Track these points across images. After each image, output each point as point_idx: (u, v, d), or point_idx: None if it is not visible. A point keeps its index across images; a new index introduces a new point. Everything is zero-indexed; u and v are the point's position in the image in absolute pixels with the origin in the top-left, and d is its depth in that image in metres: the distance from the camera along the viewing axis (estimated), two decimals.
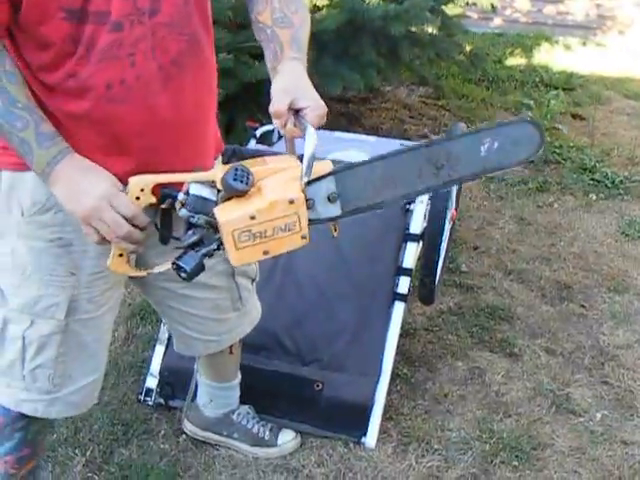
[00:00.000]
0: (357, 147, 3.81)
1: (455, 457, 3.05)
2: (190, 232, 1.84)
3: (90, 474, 2.93)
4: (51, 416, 2.23)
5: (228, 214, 1.76)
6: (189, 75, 1.93)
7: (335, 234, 1.90)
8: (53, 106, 1.85)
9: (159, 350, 3.25)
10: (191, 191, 1.80)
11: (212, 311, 2.42)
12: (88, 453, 3.01)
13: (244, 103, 4.79)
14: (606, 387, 3.46)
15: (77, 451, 3.01)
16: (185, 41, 1.89)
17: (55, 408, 2.20)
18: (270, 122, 4.11)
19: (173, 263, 1.84)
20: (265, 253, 1.81)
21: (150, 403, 3.23)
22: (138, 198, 1.85)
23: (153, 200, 1.86)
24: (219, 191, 1.79)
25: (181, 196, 1.82)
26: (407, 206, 3.35)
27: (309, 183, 1.78)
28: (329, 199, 1.82)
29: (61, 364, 2.13)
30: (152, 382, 3.23)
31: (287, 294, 3.27)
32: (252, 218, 1.75)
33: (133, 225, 1.83)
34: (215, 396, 2.99)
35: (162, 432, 3.13)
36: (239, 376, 2.98)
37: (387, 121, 6.34)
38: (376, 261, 3.29)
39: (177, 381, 3.17)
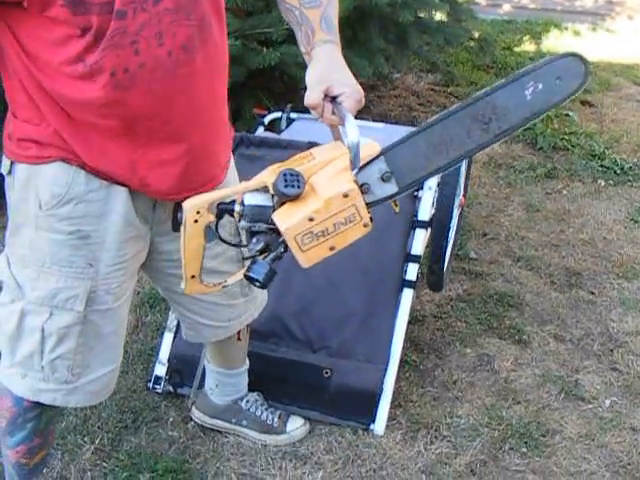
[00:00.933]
0: (366, 134, 3.79)
1: (464, 444, 3.05)
2: (254, 240, 1.83)
3: (99, 461, 2.94)
4: (69, 405, 2.25)
5: (287, 220, 1.75)
6: (199, 60, 1.90)
7: (397, 209, 1.94)
8: (57, 90, 1.84)
9: (168, 338, 3.25)
10: (246, 202, 1.79)
11: (221, 297, 2.42)
12: (97, 441, 3.02)
13: (252, 90, 4.78)
14: (615, 374, 3.46)
15: (86, 439, 3.02)
16: (195, 26, 1.86)
17: (74, 397, 2.21)
18: (278, 109, 4.16)
19: (245, 275, 1.83)
20: (332, 249, 1.81)
21: (159, 391, 3.23)
22: (196, 221, 1.84)
23: (212, 218, 1.85)
24: (273, 195, 1.78)
25: (238, 207, 1.80)
26: (415, 193, 3.34)
27: (360, 169, 1.78)
28: (383, 179, 1.80)
29: (80, 354, 2.14)
30: (161, 370, 3.23)
31: (295, 281, 3.26)
32: (311, 220, 1.74)
33: None
34: (223, 383, 2.99)
35: (171, 419, 3.13)
36: (247, 363, 2.98)
37: (395, 108, 6.32)
38: (384, 248, 3.28)
39: (186, 369, 3.17)
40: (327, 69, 1.87)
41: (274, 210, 1.77)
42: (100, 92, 1.80)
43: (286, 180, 1.74)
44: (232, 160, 2.34)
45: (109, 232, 2.03)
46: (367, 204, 1.80)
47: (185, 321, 2.55)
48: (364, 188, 1.79)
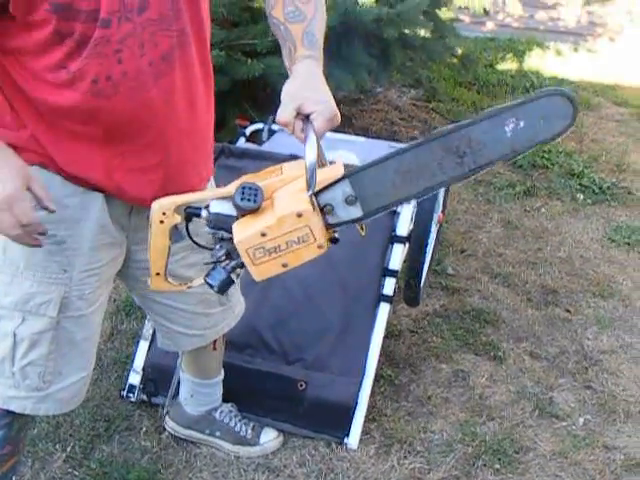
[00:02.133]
0: (346, 148, 3.81)
1: (437, 459, 3.05)
2: (217, 247, 1.84)
3: (70, 470, 2.92)
4: (39, 413, 2.23)
5: (242, 232, 1.75)
6: (178, 70, 1.91)
7: (363, 233, 1.89)
8: (38, 96, 1.84)
9: (143, 346, 3.24)
10: (211, 209, 1.80)
11: (198, 305, 2.42)
12: (69, 449, 3.00)
13: (236, 100, 4.78)
14: (589, 392, 3.47)
15: (57, 446, 3.01)
16: (175, 37, 1.87)
17: (44, 405, 2.19)
18: (260, 120, 4.15)
19: (204, 279, 1.86)
20: (284, 266, 1.79)
21: (133, 399, 3.22)
22: (162, 222, 1.85)
23: (178, 220, 1.86)
24: None
25: (204, 213, 1.82)
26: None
27: (322, 190, 1.76)
28: (347, 202, 1.78)
29: (52, 361, 2.12)
30: (135, 378, 3.22)
31: (273, 293, 3.26)
32: (263, 235, 1.74)
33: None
34: (197, 393, 2.98)
35: (144, 429, 3.12)
36: (222, 373, 2.98)
37: (377, 123, 6.33)
38: (362, 262, 3.28)
39: (160, 378, 3.16)
40: (302, 86, 1.84)
41: (236, 220, 1.78)
42: (81, 99, 1.81)
43: (243, 193, 1.74)
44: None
45: (84, 238, 2.02)
46: (330, 225, 1.79)
47: (161, 329, 2.54)
48: (327, 209, 1.77)
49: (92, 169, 1.94)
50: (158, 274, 1.96)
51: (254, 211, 1.75)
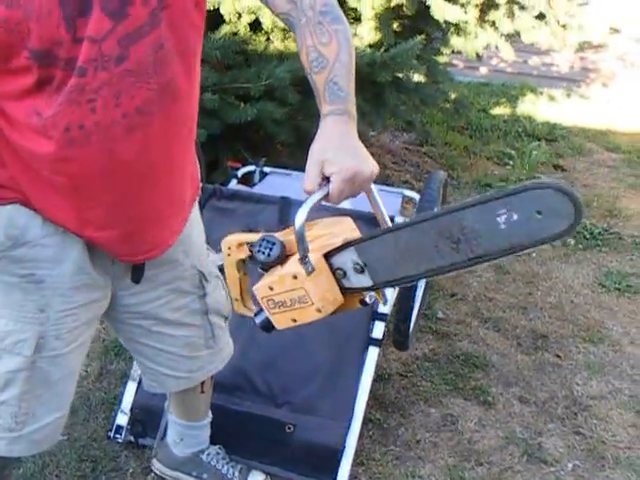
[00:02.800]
0: None
1: None
2: None
3: None
4: (13, 454, 2.19)
5: (260, 281, 1.83)
6: (157, 124, 1.85)
7: (382, 302, 1.92)
8: (15, 140, 1.82)
9: (131, 387, 3.23)
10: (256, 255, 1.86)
11: (184, 348, 2.41)
12: None
13: (228, 143, 4.80)
14: (578, 437, 3.46)
15: None
16: (154, 90, 1.81)
17: (17, 447, 2.17)
18: (252, 162, 4.17)
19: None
20: (294, 321, 1.84)
21: (120, 440, 3.20)
22: (229, 255, 1.93)
23: (242, 256, 1.92)
24: None
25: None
26: None
27: (334, 253, 1.79)
28: (355, 269, 1.78)
29: (25, 402, 2.10)
30: (123, 419, 3.21)
31: (261, 335, 3.21)
32: (271, 289, 1.80)
33: None
34: (185, 435, 2.96)
35: (131, 470, 3.10)
36: (210, 415, 2.96)
37: None
38: None
39: (148, 419, 3.15)
40: (322, 148, 1.74)
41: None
42: (53, 147, 1.78)
43: (261, 245, 1.79)
44: (195, 214, 2.31)
45: (63, 278, 2.01)
46: (345, 289, 1.81)
47: (147, 371, 2.52)
48: (338, 273, 1.79)
49: (65, 218, 1.93)
50: (237, 300, 2.04)
51: (271, 264, 1.81)
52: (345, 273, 1.80)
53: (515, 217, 1.58)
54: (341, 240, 1.80)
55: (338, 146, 1.74)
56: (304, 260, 1.76)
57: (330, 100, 1.80)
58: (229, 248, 1.93)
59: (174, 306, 2.27)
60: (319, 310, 1.80)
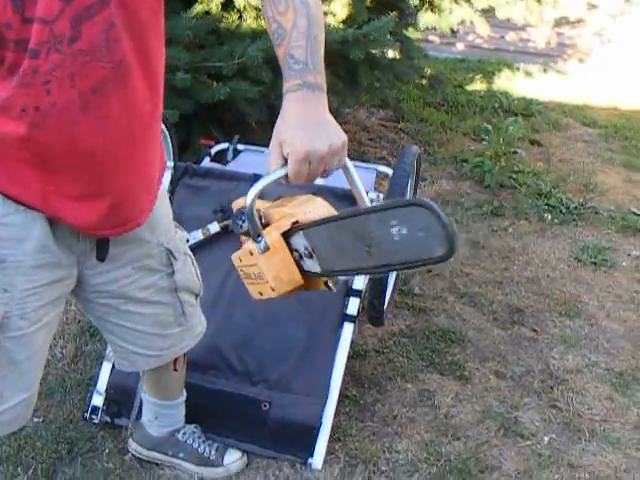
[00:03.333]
0: None
1: (402, 479, 3.04)
2: None
3: None
4: None
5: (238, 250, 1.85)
6: (113, 103, 1.84)
7: (333, 289, 1.87)
8: None
9: (106, 368, 3.21)
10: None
11: (154, 326, 2.39)
12: (31, 471, 2.96)
13: (200, 122, 4.78)
14: (555, 411, 3.48)
15: (19, 469, 2.97)
16: (108, 69, 1.79)
17: None
18: (225, 140, 4.16)
19: None
20: (260, 294, 1.85)
21: (96, 421, 3.19)
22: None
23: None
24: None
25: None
26: None
27: (291, 234, 1.78)
28: (305, 254, 1.77)
29: None
30: (98, 400, 3.19)
31: (236, 313, 3.25)
32: (240, 260, 1.83)
33: None
34: (160, 414, 2.96)
35: (107, 451, 3.09)
36: (184, 394, 2.96)
37: None
38: None
39: (123, 399, 3.14)
40: (279, 129, 1.72)
41: None
42: (12, 127, 1.77)
43: (237, 216, 1.80)
44: (161, 191, 2.28)
45: (25, 257, 1.98)
46: (304, 271, 1.80)
47: (117, 350, 2.50)
48: (295, 254, 1.79)
49: (28, 192, 1.91)
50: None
51: (244, 235, 1.83)
52: (301, 255, 1.79)
53: (404, 231, 1.55)
54: (308, 220, 1.78)
55: (294, 126, 1.72)
56: (256, 239, 1.76)
57: (287, 76, 1.77)
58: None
59: (142, 284, 2.25)
60: (272, 289, 1.80)
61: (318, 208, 1.85)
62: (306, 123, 1.72)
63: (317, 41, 1.81)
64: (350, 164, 1.81)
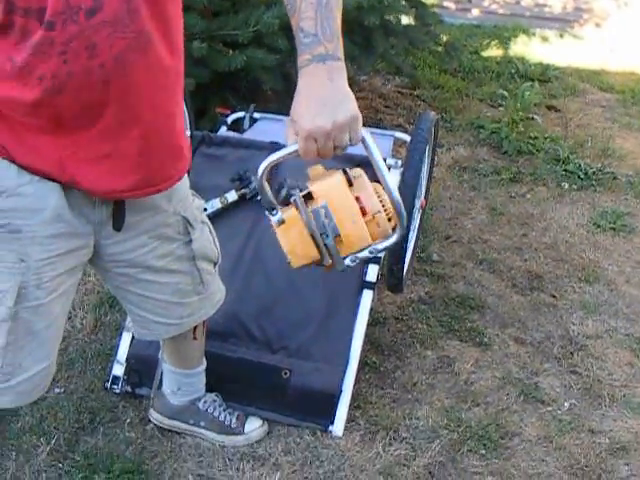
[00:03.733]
0: None
1: (423, 445, 3.05)
2: None
3: (55, 462, 2.91)
4: (2, 406, 2.20)
5: None
6: (137, 71, 1.84)
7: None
8: None
9: (126, 337, 3.23)
10: None
11: (173, 295, 2.40)
12: (53, 441, 2.99)
13: (217, 91, 4.76)
14: (575, 376, 3.47)
15: (42, 439, 2.99)
16: (131, 38, 1.79)
17: (6, 398, 2.18)
18: (242, 109, 4.14)
19: None
20: (288, 264, 1.93)
21: (117, 391, 3.21)
22: None
23: None
24: None
25: None
26: None
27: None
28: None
29: (10, 352, 2.09)
30: (119, 370, 3.21)
31: (255, 281, 3.25)
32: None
33: None
34: (181, 383, 2.97)
35: (128, 420, 3.11)
36: (204, 363, 2.97)
37: (362, 110, 6.11)
38: None
39: (144, 369, 3.15)
40: (293, 106, 1.75)
41: None
42: (29, 93, 1.77)
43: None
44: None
45: (40, 227, 1.99)
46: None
47: (136, 319, 2.52)
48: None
49: (44, 160, 1.91)
50: None
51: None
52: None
53: None
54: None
55: (301, 103, 1.74)
56: (271, 211, 1.80)
57: (299, 51, 1.78)
58: None
59: (160, 253, 2.25)
60: (288, 262, 1.84)
61: (328, 182, 1.88)
62: (311, 100, 1.73)
63: (329, 7, 1.79)
64: (369, 139, 1.80)
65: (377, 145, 1.81)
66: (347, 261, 1.89)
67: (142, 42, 1.82)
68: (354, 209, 1.86)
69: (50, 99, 1.78)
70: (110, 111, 1.85)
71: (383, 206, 1.91)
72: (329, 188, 1.86)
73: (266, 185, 1.83)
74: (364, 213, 1.87)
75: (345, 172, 1.89)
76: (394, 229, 1.92)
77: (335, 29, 1.78)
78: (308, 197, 1.86)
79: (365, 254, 1.90)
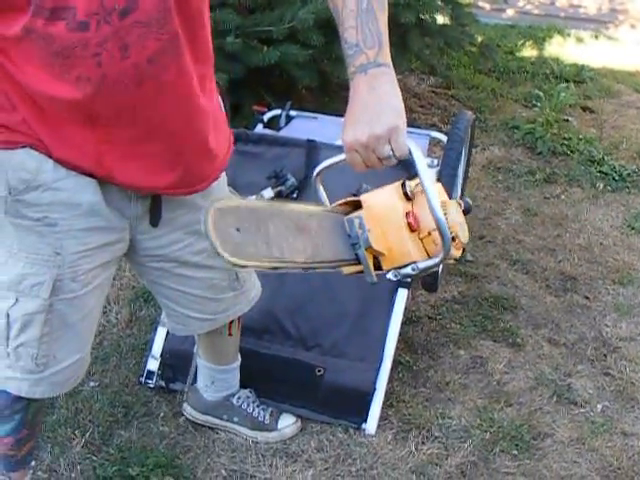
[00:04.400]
0: None
1: (455, 445, 3.05)
2: None
3: (89, 455, 2.93)
4: (35, 396, 2.22)
5: None
6: (168, 73, 1.85)
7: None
8: (27, 84, 1.82)
9: (161, 332, 3.25)
10: None
11: (208, 291, 2.41)
12: (87, 434, 3.01)
13: (252, 87, 4.77)
14: (608, 378, 3.46)
15: (77, 432, 3.02)
16: (165, 39, 1.80)
17: (39, 388, 2.20)
18: (277, 106, 4.16)
19: None
20: None
21: (151, 385, 3.23)
22: None
23: None
24: None
25: None
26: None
27: None
28: None
29: (45, 344, 2.12)
30: (153, 364, 3.23)
31: (290, 278, 3.26)
32: None
33: None
34: (215, 379, 2.99)
35: (162, 414, 3.13)
36: (239, 359, 2.98)
37: None
38: None
39: (178, 364, 3.17)
40: (345, 122, 1.75)
41: None
42: (66, 92, 1.79)
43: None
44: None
45: (75, 221, 2.01)
46: None
47: (171, 314, 2.53)
48: None
49: (82, 154, 1.93)
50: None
51: None
52: None
53: None
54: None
55: (347, 116, 1.74)
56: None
57: (346, 64, 1.77)
58: None
59: (195, 249, 2.27)
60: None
61: (379, 192, 1.88)
62: (352, 112, 1.73)
63: (370, 12, 1.78)
64: (417, 152, 1.75)
65: (424, 159, 1.77)
66: (390, 275, 1.85)
67: (175, 43, 1.83)
68: (399, 223, 1.81)
69: (86, 99, 1.80)
70: (143, 112, 1.87)
71: None
72: (376, 198, 1.85)
73: (320, 187, 1.86)
74: (413, 229, 1.82)
75: (403, 184, 1.85)
76: None
77: (378, 33, 1.76)
78: (358, 205, 1.86)
79: (407, 271, 1.83)
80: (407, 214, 1.82)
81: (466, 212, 1.89)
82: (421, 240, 1.83)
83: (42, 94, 1.82)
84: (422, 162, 1.74)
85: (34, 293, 2.05)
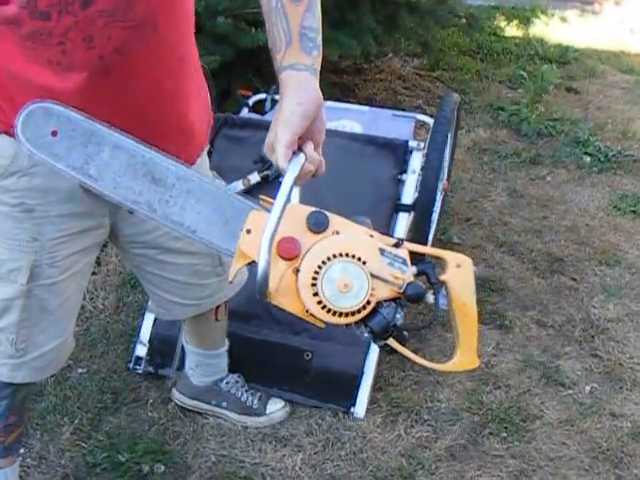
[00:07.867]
0: (350, 117, 3.79)
1: (444, 428, 3.06)
2: None
3: (78, 442, 2.93)
4: (16, 380, 2.21)
5: None
6: (139, 60, 1.82)
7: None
8: (4, 66, 1.82)
9: (149, 318, 3.24)
10: None
11: (192, 276, 2.40)
12: (76, 421, 3.01)
13: (240, 70, 4.74)
14: (596, 360, 3.47)
15: (65, 419, 3.02)
16: (131, 27, 1.76)
17: (20, 373, 2.19)
18: (263, 90, 4.14)
19: None
20: None
21: (139, 371, 3.23)
22: None
23: None
24: None
25: None
26: (399, 176, 3.34)
27: None
28: None
29: (24, 329, 2.11)
30: (142, 350, 3.23)
31: None
32: None
33: None
34: (202, 364, 2.98)
35: (151, 400, 3.13)
36: (226, 344, 2.98)
37: (381, 92, 6.29)
38: None
39: (167, 349, 3.17)
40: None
41: None
42: (38, 76, 1.77)
43: None
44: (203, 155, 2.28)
45: (52, 206, 2.00)
46: None
47: (155, 299, 2.53)
48: None
49: None
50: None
51: None
52: None
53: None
54: None
55: (279, 120, 1.68)
56: None
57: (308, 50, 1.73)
58: None
59: (177, 235, 2.25)
60: None
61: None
62: (284, 112, 1.67)
63: (279, 9, 1.72)
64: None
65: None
66: None
67: (143, 30, 1.80)
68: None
69: (57, 84, 1.78)
70: (115, 99, 1.85)
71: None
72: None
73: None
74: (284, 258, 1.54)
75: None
76: None
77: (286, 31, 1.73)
78: None
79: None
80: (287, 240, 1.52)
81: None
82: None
83: (18, 78, 1.81)
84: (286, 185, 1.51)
85: (12, 278, 2.04)
